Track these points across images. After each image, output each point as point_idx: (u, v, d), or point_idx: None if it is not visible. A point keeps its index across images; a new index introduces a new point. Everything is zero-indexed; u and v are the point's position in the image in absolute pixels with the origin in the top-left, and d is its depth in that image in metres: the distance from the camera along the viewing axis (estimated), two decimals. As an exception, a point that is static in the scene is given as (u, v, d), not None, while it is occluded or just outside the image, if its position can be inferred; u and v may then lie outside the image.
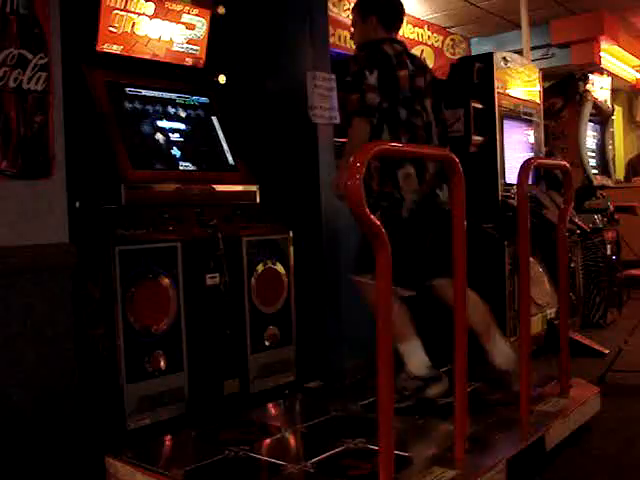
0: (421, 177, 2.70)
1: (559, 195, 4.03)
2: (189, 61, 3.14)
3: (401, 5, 2.99)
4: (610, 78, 5.74)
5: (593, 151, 5.54)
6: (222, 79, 3.30)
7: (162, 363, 2.62)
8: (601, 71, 6.05)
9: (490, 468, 2.11)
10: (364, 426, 2.48)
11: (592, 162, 5.38)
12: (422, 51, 6.95)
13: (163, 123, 2.96)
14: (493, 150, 3.90)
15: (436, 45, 7.15)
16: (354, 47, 3.15)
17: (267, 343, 3.02)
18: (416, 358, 2.71)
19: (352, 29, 3.04)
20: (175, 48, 3.05)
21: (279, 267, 3.08)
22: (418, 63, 2.93)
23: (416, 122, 2.77)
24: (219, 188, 2.95)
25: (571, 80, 5.30)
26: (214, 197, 2.92)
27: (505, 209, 3.81)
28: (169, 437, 2.53)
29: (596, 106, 5.35)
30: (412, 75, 2.80)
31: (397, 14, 2.97)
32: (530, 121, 4.40)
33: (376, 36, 2.86)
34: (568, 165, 3.05)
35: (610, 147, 5.78)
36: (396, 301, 2.59)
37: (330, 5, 5.54)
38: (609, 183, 5.51)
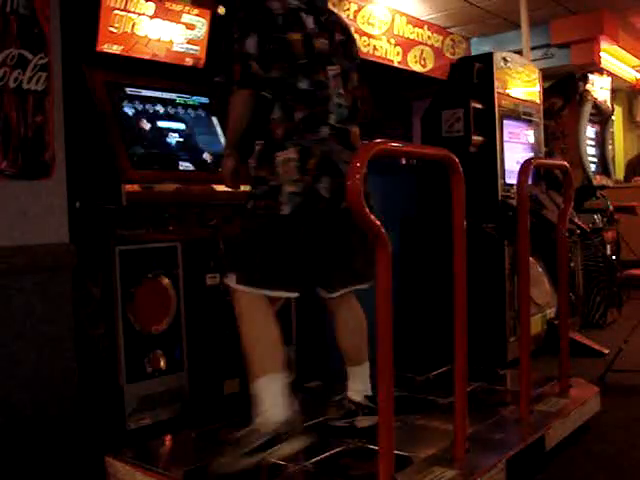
0: (304, 164, 2.19)
1: (559, 195, 4.03)
2: (189, 61, 3.13)
3: None
4: (610, 78, 5.74)
5: (593, 151, 5.54)
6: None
7: (162, 363, 2.62)
8: (601, 71, 6.05)
9: (490, 468, 2.11)
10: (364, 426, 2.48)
11: (592, 162, 5.38)
12: (422, 51, 6.96)
13: (163, 123, 2.96)
14: (493, 150, 3.90)
15: (436, 45, 7.15)
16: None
17: (267, 343, 3.01)
18: (273, 402, 2.09)
19: None
20: (175, 48, 3.05)
21: (279, 267, 3.07)
22: (326, 20, 2.39)
23: (319, 94, 2.26)
24: (219, 188, 2.95)
25: (571, 80, 5.30)
26: (214, 197, 2.92)
27: (505, 209, 3.81)
28: (169, 437, 2.53)
29: (596, 106, 5.35)
30: (309, 36, 2.28)
31: None
32: (530, 121, 4.40)
33: None
34: (568, 165, 3.05)
35: (610, 147, 5.77)
36: (265, 312, 2.21)
37: (330, 5, 5.55)
38: (609, 183, 5.50)
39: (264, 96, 2.24)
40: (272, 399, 2.10)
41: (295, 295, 2.31)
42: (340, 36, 2.41)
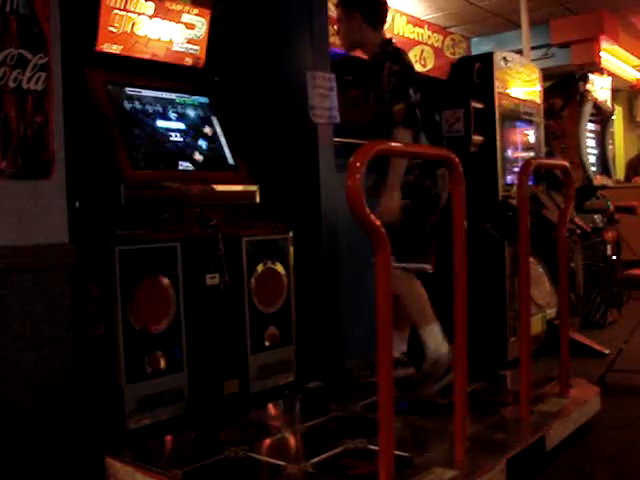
0: (444, 180, 2.84)
1: (559, 195, 4.03)
2: (189, 61, 3.13)
3: None
4: (610, 78, 5.74)
5: (593, 151, 5.54)
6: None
7: (162, 363, 2.62)
8: (601, 71, 6.06)
9: (490, 468, 2.12)
10: (364, 426, 2.48)
11: (592, 162, 5.38)
12: (422, 51, 6.96)
13: (163, 123, 2.96)
14: (493, 150, 3.90)
15: (436, 45, 7.16)
16: (339, 43, 3.15)
17: (267, 343, 3.02)
18: (439, 339, 2.82)
19: (337, 25, 3.02)
20: (175, 48, 3.05)
21: (279, 267, 3.08)
22: None
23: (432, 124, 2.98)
24: (219, 188, 2.95)
25: (571, 80, 5.30)
26: (214, 197, 2.92)
27: (505, 209, 3.81)
28: (169, 437, 2.53)
29: (596, 106, 5.35)
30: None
31: (381, 8, 2.92)
32: (530, 121, 4.40)
33: (366, 35, 2.87)
34: (568, 165, 3.05)
35: (610, 147, 5.78)
36: (415, 280, 2.86)
37: (330, 5, 5.55)
38: (609, 183, 5.51)
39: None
40: (439, 337, 2.83)
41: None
42: None
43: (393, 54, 2.90)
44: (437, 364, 2.83)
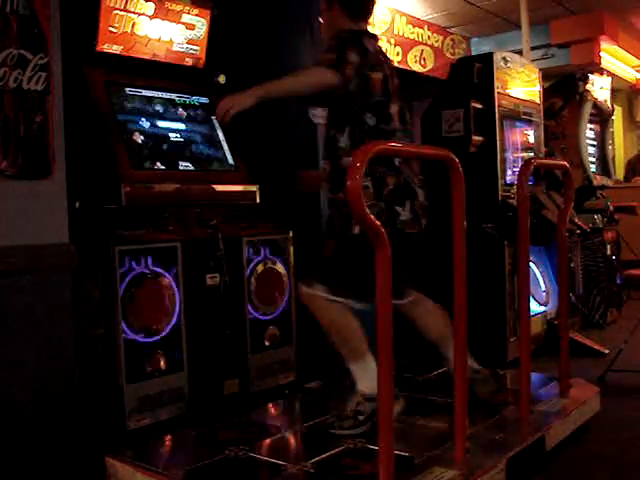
0: (379, 192, 2.43)
1: (559, 195, 4.03)
2: (189, 61, 3.14)
3: None
4: (610, 78, 5.74)
5: (593, 151, 5.54)
6: (222, 79, 3.29)
7: (162, 363, 2.62)
8: (601, 71, 6.05)
9: (490, 468, 2.11)
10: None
11: (592, 162, 5.38)
12: (422, 51, 6.95)
13: (163, 123, 2.96)
14: (493, 150, 3.90)
15: (436, 45, 7.15)
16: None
17: (267, 343, 3.02)
18: (370, 377, 2.32)
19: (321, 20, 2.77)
20: (175, 48, 3.05)
21: (279, 267, 3.08)
22: (391, 64, 2.71)
23: (386, 128, 2.52)
24: (219, 188, 2.95)
25: (571, 80, 5.30)
26: (214, 197, 2.92)
27: (505, 209, 3.81)
28: (169, 437, 2.53)
29: (596, 106, 5.35)
30: (386, 78, 2.57)
31: (362, 1, 2.69)
32: (530, 121, 4.40)
33: (344, 26, 2.57)
34: (568, 165, 3.05)
35: (610, 147, 5.78)
36: (349, 314, 2.47)
37: (330, 5, 5.55)
38: (609, 183, 5.51)
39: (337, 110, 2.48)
40: (370, 373, 2.33)
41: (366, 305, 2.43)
42: (396, 80, 2.67)
43: (350, 33, 2.53)
44: (360, 407, 2.41)
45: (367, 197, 2.27)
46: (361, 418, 2.41)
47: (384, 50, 2.79)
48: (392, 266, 2.23)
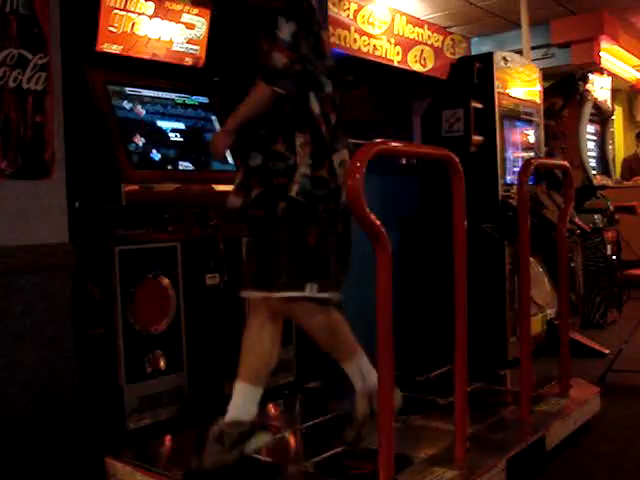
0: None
1: (559, 195, 4.03)
2: (189, 61, 3.13)
3: None
4: (610, 78, 5.74)
5: (593, 151, 5.54)
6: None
7: (162, 363, 2.62)
8: (601, 71, 6.05)
9: (490, 468, 2.12)
10: (364, 426, 2.48)
11: (592, 162, 5.38)
12: (422, 51, 6.96)
13: (163, 123, 2.96)
14: (493, 150, 3.90)
15: (436, 45, 7.16)
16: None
17: (267, 343, 3.01)
18: (250, 403, 2.22)
19: None
20: (175, 48, 3.05)
21: (279, 267, 3.07)
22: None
23: (335, 98, 2.26)
24: (219, 188, 2.94)
25: (571, 80, 5.30)
26: (214, 197, 2.92)
27: (505, 209, 3.81)
28: (169, 437, 2.53)
29: (596, 106, 5.35)
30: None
31: None
32: (530, 121, 4.40)
33: None
34: (568, 165, 3.05)
35: (610, 147, 5.78)
36: (273, 327, 2.26)
37: (330, 5, 5.56)
38: (609, 183, 5.51)
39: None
40: (253, 400, 2.23)
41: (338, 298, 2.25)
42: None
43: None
44: (233, 428, 2.17)
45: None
46: (227, 442, 2.15)
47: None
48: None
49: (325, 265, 2.17)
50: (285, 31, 2.12)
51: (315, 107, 2.18)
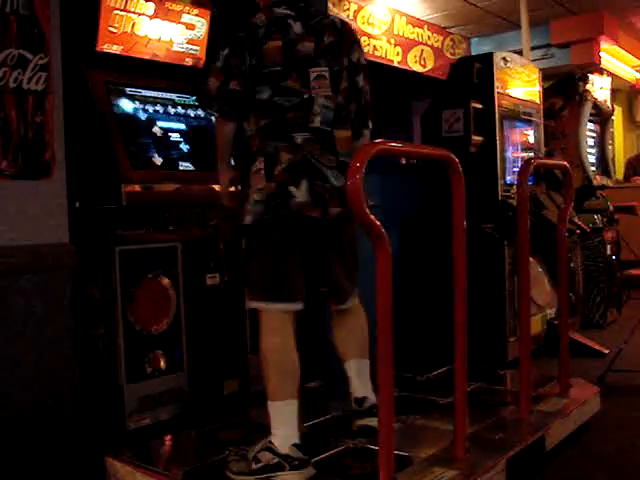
0: (269, 171, 2.16)
1: (559, 195, 4.03)
2: (189, 61, 3.13)
3: None
4: (610, 78, 5.74)
5: (593, 151, 5.54)
6: None
7: (162, 363, 2.62)
8: (601, 71, 6.05)
9: (490, 468, 2.12)
10: (364, 426, 2.48)
11: (592, 162, 5.38)
12: (422, 51, 6.96)
13: (163, 123, 2.96)
14: (493, 150, 3.90)
15: (436, 45, 7.16)
16: None
17: (267, 343, 3.01)
18: (286, 428, 2.12)
19: None
20: (175, 48, 3.05)
21: (279, 267, 3.07)
22: (317, 23, 2.31)
23: (282, 102, 2.19)
24: (219, 188, 2.95)
25: (571, 80, 5.30)
26: (214, 197, 2.92)
27: (505, 209, 3.81)
28: (169, 437, 2.53)
29: (596, 106, 5.35)
30: (291, 42, 2.22)
31: None
32: (530, 121, 4.40)
33: None
34: (568, 165, 3.05)
35: (610, 147, 5.77)
36: (281, 331, 2.25)
37: (330, 5, 5.55)
38: (609, 183, 5.50)
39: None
40: (289, 423, 2.15)
41: (297, 307, 2.29)
42: (331, 38, 2.32)
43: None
44: (261, 455, 2.09)
45: (258, 181, 2.15)
46: (255, 467, 2.07)
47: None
48: (304, 256, 2.20)
49: (281, 275, 2.20)
50: (219, 58, 2.23)
51: (262, 122, 2.21)
